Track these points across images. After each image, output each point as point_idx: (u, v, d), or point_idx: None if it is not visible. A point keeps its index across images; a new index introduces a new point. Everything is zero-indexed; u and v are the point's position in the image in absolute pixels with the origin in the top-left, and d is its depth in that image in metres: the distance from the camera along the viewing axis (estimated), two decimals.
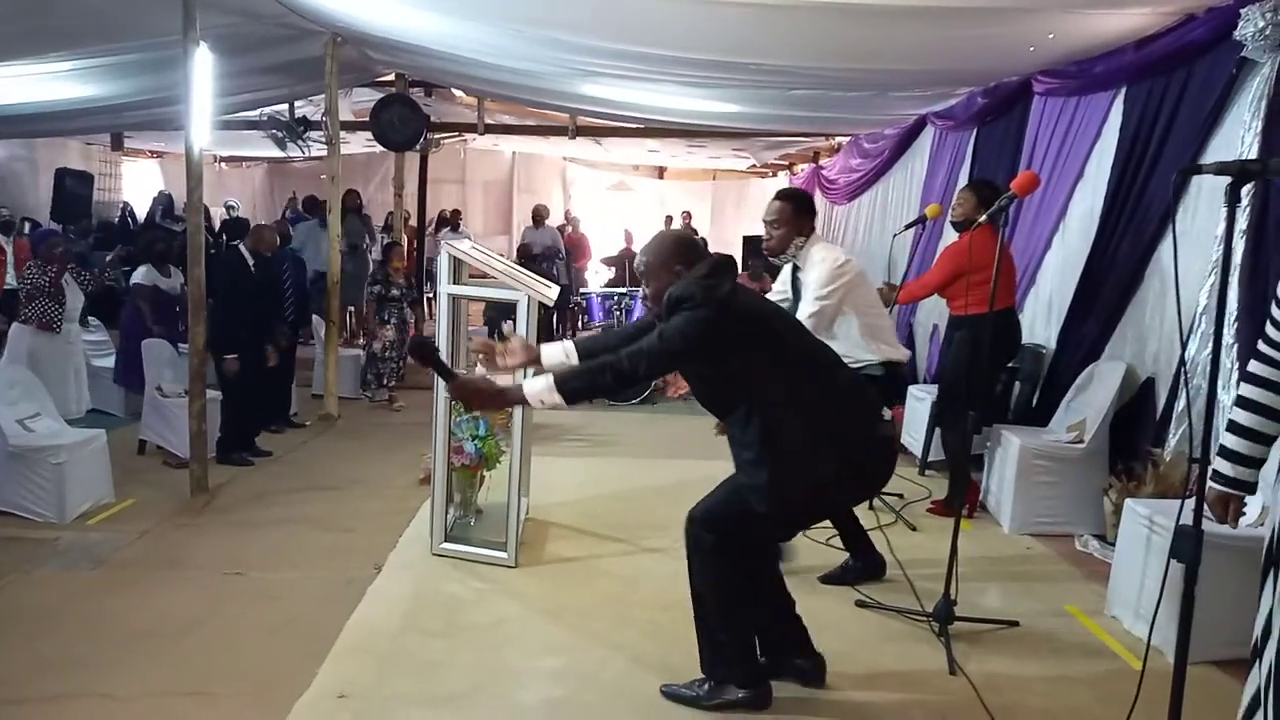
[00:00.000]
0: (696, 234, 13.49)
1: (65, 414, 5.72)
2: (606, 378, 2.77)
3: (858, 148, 10.09)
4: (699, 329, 2.70)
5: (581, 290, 11.66)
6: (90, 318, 7.47)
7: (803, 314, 3.84)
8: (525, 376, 3.13)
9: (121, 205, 13.22)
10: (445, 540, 4.37)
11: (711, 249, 11.02)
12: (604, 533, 4.78)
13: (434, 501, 4.37)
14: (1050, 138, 5.84)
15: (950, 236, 7.05)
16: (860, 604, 3.88)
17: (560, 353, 3.14)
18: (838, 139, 11.08)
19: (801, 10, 4.85)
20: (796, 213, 3.94)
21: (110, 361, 7.41)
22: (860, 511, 5.06)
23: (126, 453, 5.93)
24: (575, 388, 2.77)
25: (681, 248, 2.98)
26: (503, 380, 3.12)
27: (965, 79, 6.55)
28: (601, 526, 4.86)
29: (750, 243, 11.55)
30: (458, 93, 10.87)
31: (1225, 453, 2.53)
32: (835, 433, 2.84)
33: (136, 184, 14.32)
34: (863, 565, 4.16)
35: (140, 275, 6.73)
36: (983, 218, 3.98)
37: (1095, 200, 5.30)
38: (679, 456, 6.35)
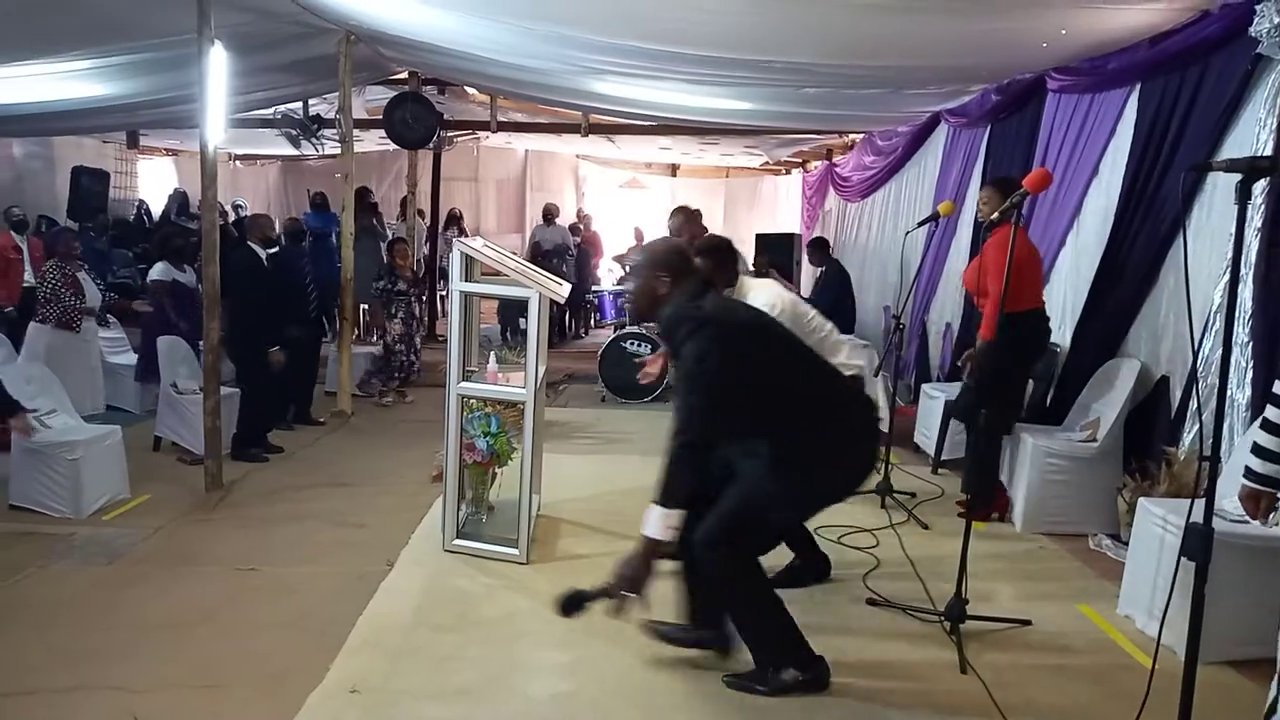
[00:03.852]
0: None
1: (82, 411, 5.77)
2: (683, 459, 2.73)
3: (871, 145, 10.07)
4: (709, 357, 2.73)
5: (594, 288, 11.67)
6: (108, 315, 7.53)
7: None
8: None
9: (137, 203, 13.29)
10: (457, 536, 4.38)
11: None
12: (615, 530, 4.77)
13: (446, 498, 4.39)
14: (1064, 135, 5.81)
15: (964, 233, 7.06)
16: (871, 602, 3.88)
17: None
18: (851, 136, 11.04)
19: (813, 7, 4.85)
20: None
21: (126, 359, 7.47)
22: (872, 509, 5.11)
23: (142, 449, 5.97)
24: (673, 491, 2.73)
25: (672, 259, 3.01)
26: None
27: (979, 76, 6.53)
28: (612, 524, 4.86)
29: (762, 240, 11.54)
30: (470, 90, 10.89)
31: (1258, 450, 2.55)
32: (846, 430, 2.95)
33: (152, 182, 14.39)
34: (806, 564, 4.08)
35: (157, 271, 6.79)
36: (995, 215, 3.97)
37: (1110, 198, 5.28)
38: None
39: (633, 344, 8.07)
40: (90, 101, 7.87)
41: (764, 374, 2.85)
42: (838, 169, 11.53)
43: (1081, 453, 4.84)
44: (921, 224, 5.56)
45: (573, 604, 2.86)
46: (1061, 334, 5.58)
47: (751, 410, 2.86)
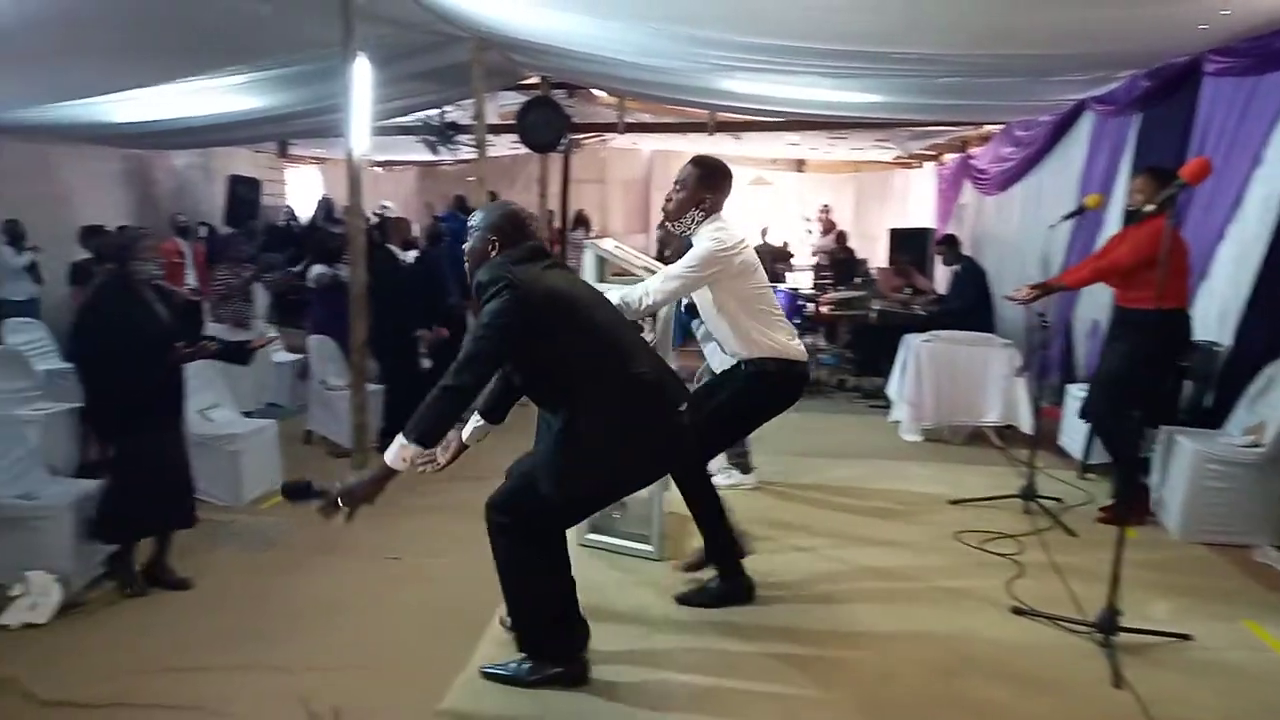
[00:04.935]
0: (835, 228, 13.28)
1: (245, 407, 6.14)
2: (444, 401, 2.77)
3: (1009, 136, 9.69)
4: (503, 316, 2.78)
5: None
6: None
7: (655, 279, 3.62)
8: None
9: (285, 209, 14.03)
10: (590, 531, 4.46)
11: (853, 243, 10.79)
12: (744, 529, 4.76)
13: None
14: (1223, 121, 5.46)
15: (1111, 228, 6.72)
16: (1016, 610, 3.74)
17: (474, 421, 3.21)
18: (988, 127, 10.67)
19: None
20: (701, 181, 3.69)
21: (279, 357, 7.90)
22: (1015, 514, 4.92)
23: (293, 442, 6.30)
24: (423, 427, 2.75)
25: (504, 224, 3.02)
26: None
27: (1127, 61, 6.19)
28: (741, 522, 4.83)
29: (897, 236, 11.28)
30: (598, 93, 11.02)
31: None
32: (632, 419, 2.88)
33: (299, 189, 15.17)
34: (726, 589, 3.83)
35: (318, 270, 7.16)
36: (1150, 207, 3.77)
37: (1274, 187, 4.93)
38: (815, 454, 6.27)
39: None
40: (245, 114, 8.36)
41: (561, 348, 2.86)
42: (974, 161, 11.16)
43: (1245, 458, 4.54)
44: (1067, 218, 5.30)
45: (297, 492, 2.92)
46: (1221, 332, 5.25)
47: (546, 379, 2.94)
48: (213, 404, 5.46)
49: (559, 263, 3.13)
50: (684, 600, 3.82)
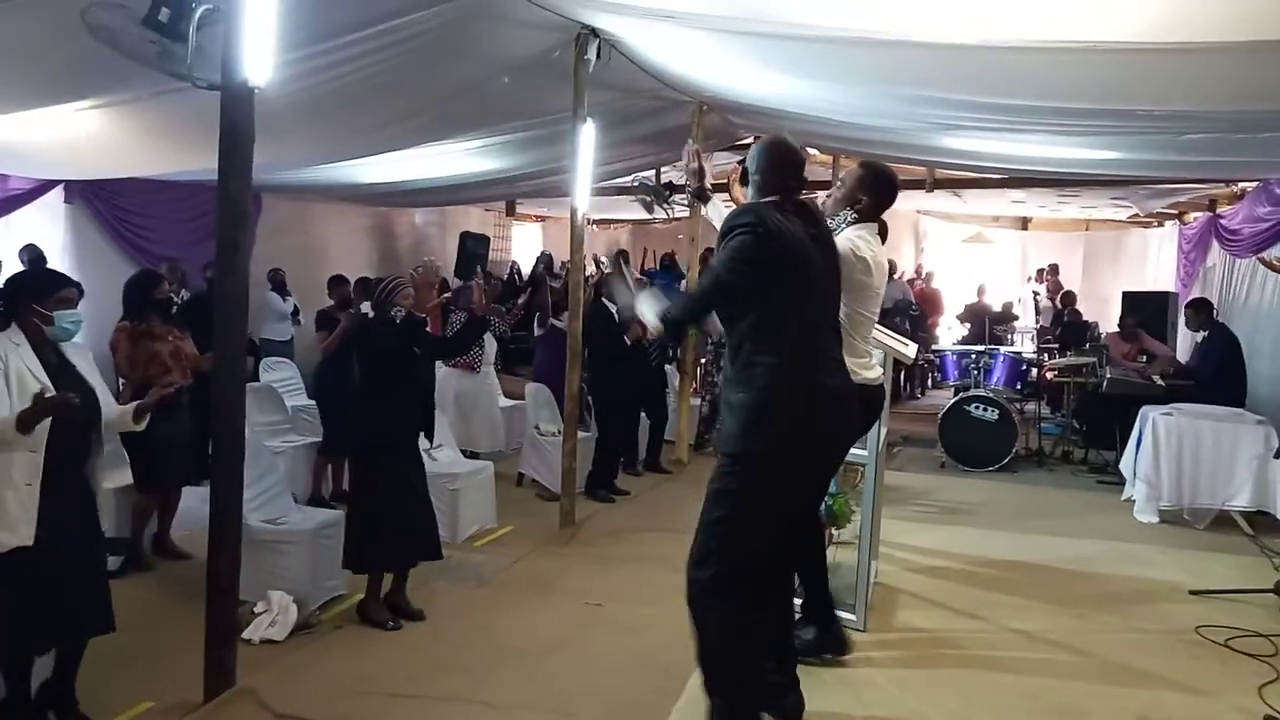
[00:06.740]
0: (1062, 289, 12.58)
1: (479, 447, 6.69)
2: (682, 317, 3.21)
3: (1267, 194, 8.85)
4: (744, 251, 2.88)
5: (934, 348, 11.25)
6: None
7: None
8: None
9: (510, 264, 14.87)
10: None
11: (1081, 305, 10.13)
12: (956, 606, 4.53)
13: None
14: None
15: None
16: None
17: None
18: (1241, 184, 9.80)
19: (1200, 53, 4.38)
20: (861, 182, 3.58)
21: (501, 402, 8.30)
22: (1269, 613, 4.42)
23: (506, 484, 6.60)
24: (668, 318, 3.12)
25: (766, 159, 3.13)
26: None
27: None
28: (955, 599, 4.61)
29: (1130, 299, 10.52)
30: (812, 151, 11.02)
31: None
32: (810, 386, 2.91)
33: (522, 245, 16.06)
34: (820, 639, 3.75)
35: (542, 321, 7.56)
36: None
37: None
38: (1036, 531, 5.90)
39: (978, 408, 7.66)
40: (478, 175, 8.96)
41: (764, 306, 2.90)
42: (1223, 221, 10.26)
43: None
44: None
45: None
46: None
47: (743, 321, 2.94)
48: (438, 444, 5.81)
49: (822, 232, 3.17)
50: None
